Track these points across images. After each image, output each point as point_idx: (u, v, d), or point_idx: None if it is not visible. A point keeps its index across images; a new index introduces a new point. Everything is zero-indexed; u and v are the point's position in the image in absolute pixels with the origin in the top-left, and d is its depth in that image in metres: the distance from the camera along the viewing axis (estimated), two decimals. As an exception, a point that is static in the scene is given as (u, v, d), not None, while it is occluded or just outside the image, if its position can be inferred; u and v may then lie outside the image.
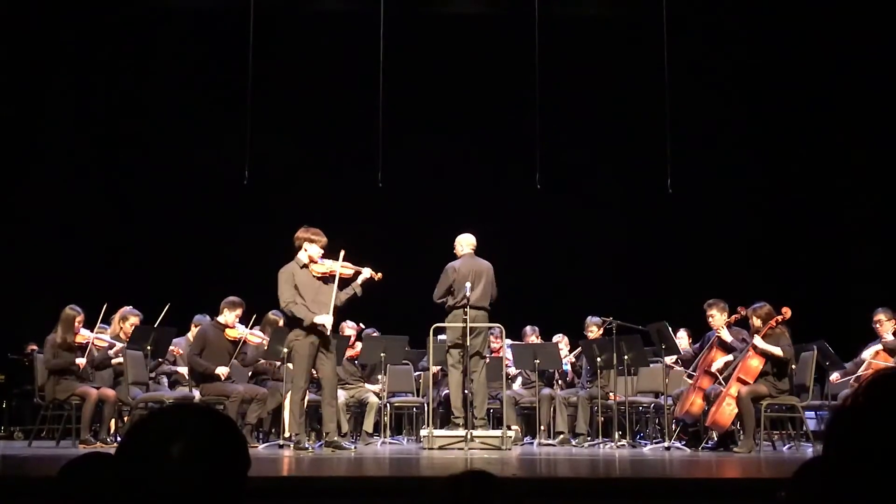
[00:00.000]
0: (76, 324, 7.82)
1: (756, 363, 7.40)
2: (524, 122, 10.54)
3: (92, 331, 8.07)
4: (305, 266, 7.12)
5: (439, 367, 8.78)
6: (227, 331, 8.04)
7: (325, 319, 6.97)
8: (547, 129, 10.42)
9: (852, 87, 10.97)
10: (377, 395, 8.71)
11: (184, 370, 8.63)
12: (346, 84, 11.11)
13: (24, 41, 10.48)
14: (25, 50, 10.52)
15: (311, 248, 7.11)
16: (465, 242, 7.98)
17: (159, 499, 1.15)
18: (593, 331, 8.99)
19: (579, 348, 9.17)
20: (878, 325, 7.94)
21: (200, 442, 1.19)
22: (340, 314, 7.73)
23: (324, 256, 7.17)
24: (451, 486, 1.39)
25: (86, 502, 1.69)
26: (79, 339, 7.84)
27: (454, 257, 8.00)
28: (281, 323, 8.09)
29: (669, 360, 8.64)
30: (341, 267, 7.14)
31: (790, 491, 1.38)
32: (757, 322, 7.54)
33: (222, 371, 7.83)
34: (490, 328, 8.12)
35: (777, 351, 7.36)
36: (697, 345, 8.45)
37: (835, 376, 8.17)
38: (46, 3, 10.85)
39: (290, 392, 7.51)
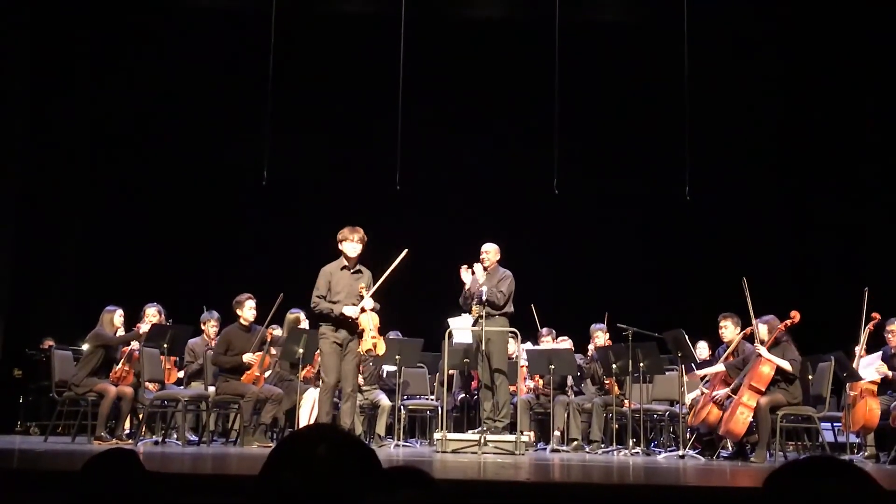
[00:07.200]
0: (116, 317, 7.95)
1: (767, 370, 7.35)
2: (543, 126, 10.53)
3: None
4: (346, 267, 7.16)
5: (453, 371, 8.78)
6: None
7: (351, 310, 7.05)
8: (565, 134, 10.41)
9: (871, 97, 10.90)
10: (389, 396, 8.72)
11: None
12: (365, 86, 11.13)
13: (44, 37, 10.54)
14: (46, 46, 10.56)
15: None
16: (493, 250, 8.06)
17: (314, 483, 1.49)
18: (599, 336, 8.98)
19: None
20: (889, 335, 7.86)
21: (339, 444, 1.55)
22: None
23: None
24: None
25: (109, 497, 1.70)
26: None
27: (471, 261, 8.07)
28: (303, 320, 8.12)
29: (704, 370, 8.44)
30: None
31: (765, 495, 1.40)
32: (762, 330, 7.50)
33: (249, 358, 7.95)
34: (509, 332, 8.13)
35: (785, 365, 7.33)
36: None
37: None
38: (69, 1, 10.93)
39: (306, 391, 7.62)
